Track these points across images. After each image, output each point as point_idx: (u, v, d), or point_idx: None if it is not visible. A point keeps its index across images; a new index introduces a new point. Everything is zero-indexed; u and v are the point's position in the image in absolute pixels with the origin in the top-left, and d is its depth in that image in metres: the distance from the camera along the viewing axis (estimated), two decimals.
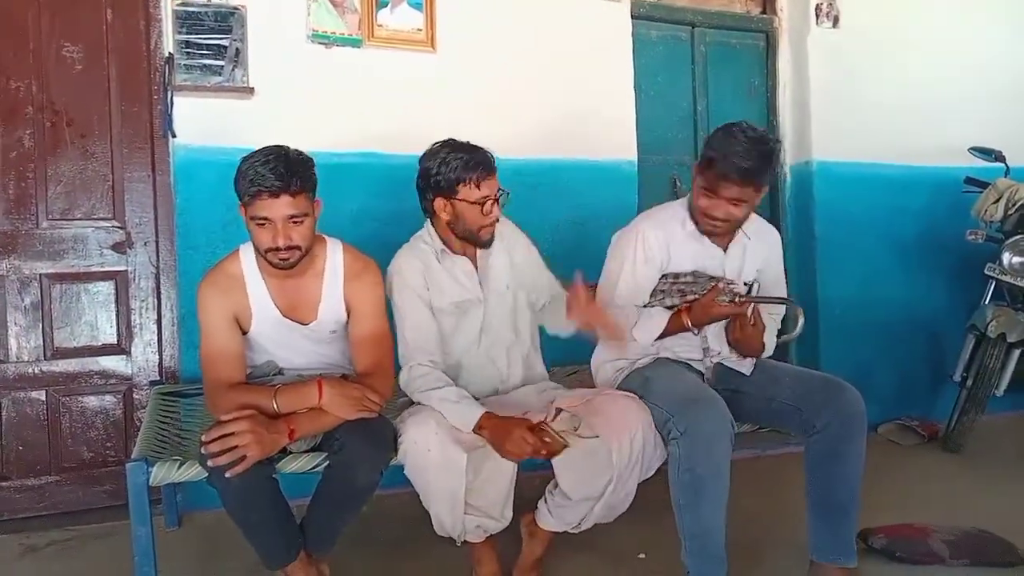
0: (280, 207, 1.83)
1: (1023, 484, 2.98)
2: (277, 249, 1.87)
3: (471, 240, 2.14)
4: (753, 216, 2.23)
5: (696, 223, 2.17)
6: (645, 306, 2.19)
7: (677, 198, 3.56)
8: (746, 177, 1.99)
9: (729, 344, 2.22)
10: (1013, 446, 3.49)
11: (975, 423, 3.38)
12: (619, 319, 2.12)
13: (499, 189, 2.12)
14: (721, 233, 2.16)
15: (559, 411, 2.00)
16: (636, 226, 2.23)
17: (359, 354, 2.01)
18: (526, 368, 2.27)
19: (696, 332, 2.15)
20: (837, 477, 2.05)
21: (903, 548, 2.28)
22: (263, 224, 1.85)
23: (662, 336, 2.16)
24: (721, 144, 2.01)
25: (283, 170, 1.81)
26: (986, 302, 3.48)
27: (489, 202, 2.08)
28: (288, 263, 1.90)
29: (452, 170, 2.05)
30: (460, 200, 2.07)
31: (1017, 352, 3.31)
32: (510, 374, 2.23)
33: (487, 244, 2.16)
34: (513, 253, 2.26)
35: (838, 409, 2.03)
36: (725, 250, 2.21)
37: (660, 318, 2.15)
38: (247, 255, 1.99)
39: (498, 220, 2.13)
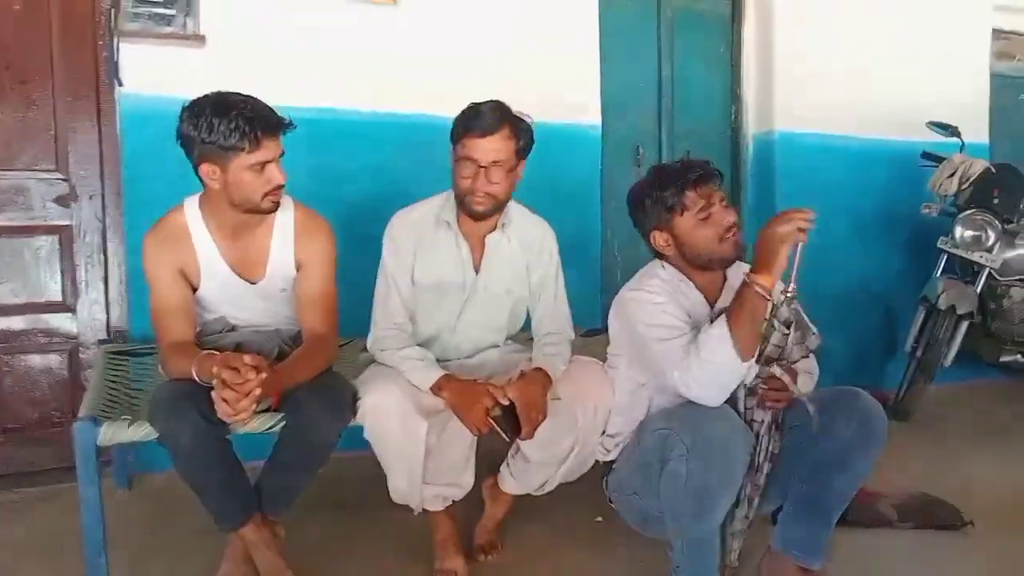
0: (279, 146, 1.83)
1: (968, 451, 3.09)
2: (279, 188, 1.85)
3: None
4: None
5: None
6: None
7: (639, 167, 3.63)
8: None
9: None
10: (959, 415, 3.60)
11: (924, 392, 3.47)
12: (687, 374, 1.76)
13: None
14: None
15: (523, 373, 1.97)
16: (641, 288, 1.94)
17: (308, 314, 1.97)
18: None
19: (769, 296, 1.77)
20: (836, 484, 1.88)
21: (852, 512, 2.30)
22: (260, 169, 1.80)
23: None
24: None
25: (269, 111, 1.81)
26: (938, 275, 3.54)
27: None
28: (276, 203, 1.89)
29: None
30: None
31: (965, 324, 3.39)
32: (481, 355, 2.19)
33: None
34: (527, 258, 2.13)
35: (858, 418, 1.83)
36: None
37: (720, 325, 1.75)
38: (192, 209, 1.93)
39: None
